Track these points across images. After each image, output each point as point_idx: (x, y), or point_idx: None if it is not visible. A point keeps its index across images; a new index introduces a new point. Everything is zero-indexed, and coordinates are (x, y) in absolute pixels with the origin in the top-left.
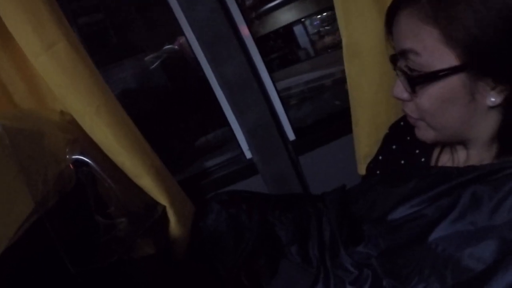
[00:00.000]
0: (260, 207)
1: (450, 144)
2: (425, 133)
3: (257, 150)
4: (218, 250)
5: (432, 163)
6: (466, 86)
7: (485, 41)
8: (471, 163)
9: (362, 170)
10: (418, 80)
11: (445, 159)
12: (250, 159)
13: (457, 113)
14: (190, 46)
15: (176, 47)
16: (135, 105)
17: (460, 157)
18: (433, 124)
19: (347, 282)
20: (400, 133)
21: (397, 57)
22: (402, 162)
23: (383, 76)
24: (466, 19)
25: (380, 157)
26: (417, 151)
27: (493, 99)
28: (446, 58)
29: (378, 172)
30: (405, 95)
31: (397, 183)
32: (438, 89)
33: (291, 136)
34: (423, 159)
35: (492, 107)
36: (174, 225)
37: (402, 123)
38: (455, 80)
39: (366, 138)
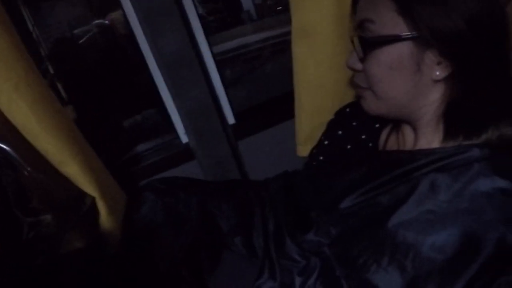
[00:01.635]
0: (198, 196)
1: (397, 122)
2: (370, 104)
3: (195, 134)
4: (155, 244)
5: (380, 147)
6: (413, 56)
7: (433, 12)
8: (420, 147)
9: (301, 151)
10: (369, 43)
11: (392, 143)
12: (186, 144)
13: (403, 81)
14: (125, 20)
15: (107, 22)
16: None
17: (408, 140)
18: (380, 92)
19: (294, 272)
20: (346, 119)
21: (356, 30)
22: (348, 147)
23: (332, 59)
24: None
25: (326, 143)
26: (363, 136)
27: (437, 73)
28: (397, 26)
29: (321, 157)
30: (358, 65)
31: (346, 169)
32: (386, 54)
33: (231, 119)
34: (370, 144)
35: (437, 82)
36: (104, 217)
37: (348, 109)
38: (403, 47)
39: (309, 121)
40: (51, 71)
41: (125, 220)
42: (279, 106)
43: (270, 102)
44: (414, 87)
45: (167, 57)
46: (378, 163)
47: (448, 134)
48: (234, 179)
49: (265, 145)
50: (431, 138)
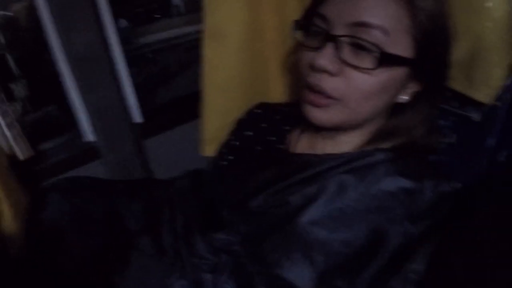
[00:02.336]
0: (107, 196)
1: (309, 127)
2: (332, 116)
3: (102, 133)
4: (62, 247)
5: (291, 150)
6: (405, 79)
7: (434, 40)
8: (331, 150)
9: (206, 151)
10: (374, 56)
11: (302, 146)
12: (91, 142)
13: (383, 101)
14: (32, 12)
15: (11, 14)
16: None
17: (319, 144)
18: (353, 109)
19: (206, 270)
20: (257, 120)
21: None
22: (259, 148)
23: (242, 63)
24: (428, 14)
25: (236, 143)
26: (273, 138)
27: (405, 97)
28: (406, 46)
29: (231, 157)
30: (334, 68)
31: (257, 169)
32: (388, 74)
33: (138, 118)
34: (280, 146)
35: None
36: (7, 220)
37: (257, 110)
38: (404, 71)
39: (215, 121)
40: None
41: (29, 223)
42: (188, 104)
43: (180, 100)
44: (385, 107)
45: (76, 53)
46: (289, 164)
47: (369, 143)
48: (142, 178)
49: (173, 144)
50: (345, 143)
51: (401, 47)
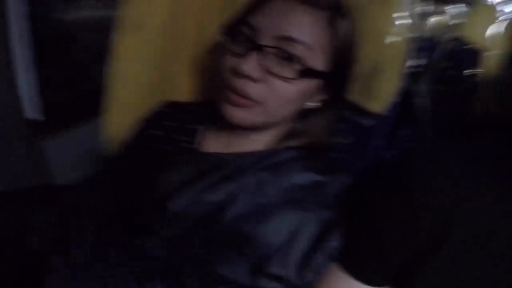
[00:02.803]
0: (7, 208)
1: (221, 125)
2: (255, 117)
3: None
4: None
5: (203, 149)
6: (315, 89)
7: (344, 59)
8: (243, 149)
9: (109, 151)
10: (296, 68)
11: (215, 145)
12: None
13: (295, 107)
14: None
15: None
16: None
17: (232, 143)
18: (272, 112)
19: (129, 280)
20: (165, 119)
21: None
22: (169, 148)
23: (156, 58)
24: (343, 37)
25: (145, 143)
26: (183, 138)
27: (313, 104)
28: (322, 62)
29: (140, 158)
30: (257, 74)
31: (172, 171)
32: (307, 85)
33: (35, 116)
34: (191, 146)
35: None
36: None
37: (165, 109)
38: (316, 82)
39: (121, 118)
40: None
41: None
42: (91, 100)
43: (82, 96)
44: (297, 110)
45: None
46: (204, 164)
47: (278, 140)
48: (42, 184)
49: (74, 144)
50: (257, 142)
51: (319, 62)
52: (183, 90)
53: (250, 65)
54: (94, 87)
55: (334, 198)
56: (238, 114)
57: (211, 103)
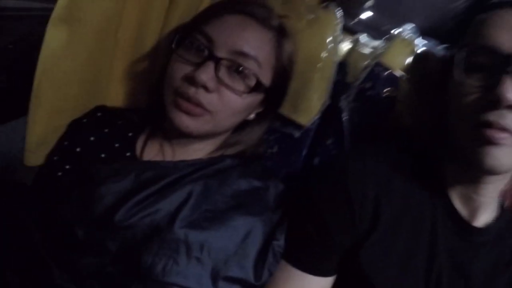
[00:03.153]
0: None
1: (157, 132)
2: (203, 126)
3: None
4: None
5: (141, 157)
6: (258, 103)
7: (285, 76)
8: (183, 157)
9: (31, 160)
10: (248, 83)
11: (153, 153)
12: None
13: (239, 119)
14: None
15: None
16: None
17: (171, 151)
18: (220, 122)
19: None
20: (98, 124)
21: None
22: (103, 156)
23: (92, 56)
24: (287, 56)
25: (76, 149)
26: (117, 145)
27: (252, 116)
28: (268, 78)
29: (68, 166)
30: (212, 84)
31: (108, 180)
32: (255, 98)
33: None
34: (128, 154)
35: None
36: None
37: (99, 113)
38: (261, 96)
39: (46, 121)
40: None
41: None
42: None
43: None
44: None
45: None
46: (148, 173)
47: (216, 149)
48: None
49: None
50: (196, 151)
51: (266, 78)
52: (119, 94)
53: (207, 75)
54: (18, 84)
55: (274, 201)
56: (188, 122)
57: (149, 109)
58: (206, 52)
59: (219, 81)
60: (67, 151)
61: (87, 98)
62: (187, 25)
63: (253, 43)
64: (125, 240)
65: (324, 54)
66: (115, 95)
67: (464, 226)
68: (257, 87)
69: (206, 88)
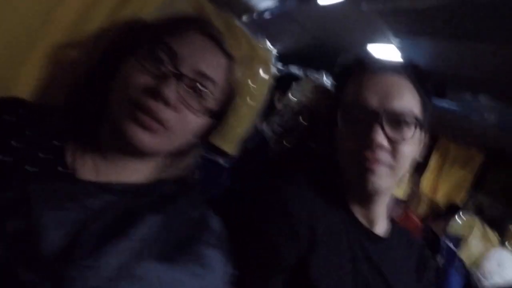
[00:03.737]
0: None
1: (88, 146)
2: (159, 143)
3: None
4: None
5: (76, 174)
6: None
7: (228, 101)
8: (119, 178)
9: None
10: (209, 106)
11: (86, 169)
12: None
13: (189, 141)
14: None
15: None
16: None
17: (107, 170)
18: (175, 141)
19: None
20: (19, 124)
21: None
22: (30, 169)
23: (16, 28)
24: (233, 80)
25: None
26: (42, 155)
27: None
28: (218, 102)
29: None
30: (174, 101)
31: (43, 205)
32: (206, 120)
33: None
34: (59, 168)
35: None
36: None
37: (21, 110)
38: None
39: None
40: None
41: None
42: None
43: None
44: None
45: None
46: (95, 198)
47: (151, 172)
48: None
49: None
50: (134, 172)
51: (217, 101)
52: (30, 81)
53: (171, 90)
54: None
55: (221, 230)
56: (145, 138)
57: (76, 113)
58: (169, 66)
59: (180, 98)
60: None
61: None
62: (148, 31)
63: (212, 65)
64: (86, 284)
65: (254, 87)
66: (25, 82)
67: (369, 234)
68: (213, 109)
69: (167, 103)
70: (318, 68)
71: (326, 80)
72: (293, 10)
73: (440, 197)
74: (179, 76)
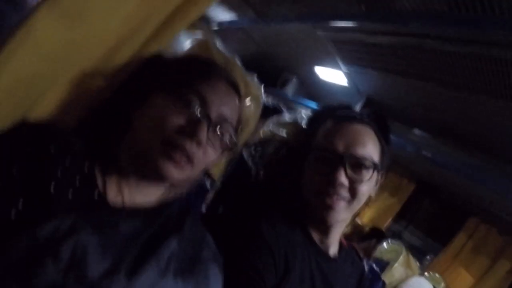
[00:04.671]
0: None
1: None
2: (183, 175)
3: None
4: None
5: (108, 199)
6: None
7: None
8: (141, 199)
9: None
10: (227, 145)
11: (113, 193)
12: None
13: None
14: None
15: None
16: None
17: (127, 191)
18: (196, 173)
19: None
20: (61, 153)
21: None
22: (69, 197)
23: (66, 60)
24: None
25: (30, 181)
26: (80, 184)
27: None
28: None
29: (21, 204)
30: (203, 142)
31: (89, 234)
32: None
33: None
34: (95, 196)
35: None
36: None
37: (44, 132)
38: None
39: None
40: None
41: None
42: None
43: None
44: None
45: None
46: (130, 223)
47: (166, 191)
48: None
49: None
50: (152, 195)
51: (231, 138)
52: (51, 103)
53: (204, 133)
54: None
55: (214, 246)
56: (174, 172)
57: (97, 138)
58: (199, 111)
59: (208, 139)
60: (14, 184)
61: (22, 104)
62: (177, 71)
63: (231, 109)
64: None
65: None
66: (49, 104)
67: (325, 256)
68: (228, 146)
69: (200, 144)
70: (263, 81)
71: (303, 118)
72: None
73: (366, 220)
74: (209, 120)
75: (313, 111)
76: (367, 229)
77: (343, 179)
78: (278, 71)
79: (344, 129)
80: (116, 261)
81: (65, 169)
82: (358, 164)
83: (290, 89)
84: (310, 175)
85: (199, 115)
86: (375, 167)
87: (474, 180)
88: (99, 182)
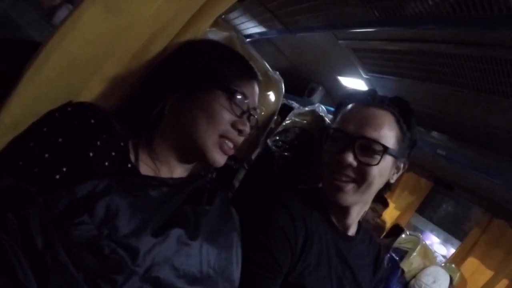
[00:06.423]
0: None
1: (149, 148)
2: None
3: None
4: None
5: (140, 171)
6: None
7: None
8: (179, 174)
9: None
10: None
11: (147, 168)
12: None
13: None
14: None
15: None
16: None
17: (165, 168)
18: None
19: None
20: (94, 126)
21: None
22: (106, 164)
23: (108, 48)
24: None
25: (91, 154)
26: (113, 153)
27: None
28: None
29: (65, 169)
30: (248, 134)
31: (126, 197)
32: None
33: None
34: (129, 165)
35: None
36: None
37: (89, 112)
38: None
39: (30, 103)
40: None
41: None
42: None
43: None
44: None
45: None
46: (166, 189)
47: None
48: None
49: None
50: (185, 170)
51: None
52: (94, 91)
53: (249, 126)
54: None
55: (237, 216)
56: (222, 160)
57: (136, 122)
58: (244, 107)
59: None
60: (60, 150)
61: (71, 86)
62: (225, 78)
63: (257, 100)
64: (153, 255)
65: (262, 110)
66: (89, 91)
67: (342, 235)
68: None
69: (245, 135)
70: (292, 92)
71: (321, 109)
72: (276, 36)
73: (388, 218)
74: (249, 114)
75: (340, 96)
76: (388, 226)
77: (350, 159)
78: (306, 81)
79: (360, 112)
80: (144, 221)
81: (103, 140)
82: (367, 147)
83: (316, 98)
84: (323, 154)
85: (246, 112)
86: (385, 150)
87: (489, 178)
88: (132, 157)
